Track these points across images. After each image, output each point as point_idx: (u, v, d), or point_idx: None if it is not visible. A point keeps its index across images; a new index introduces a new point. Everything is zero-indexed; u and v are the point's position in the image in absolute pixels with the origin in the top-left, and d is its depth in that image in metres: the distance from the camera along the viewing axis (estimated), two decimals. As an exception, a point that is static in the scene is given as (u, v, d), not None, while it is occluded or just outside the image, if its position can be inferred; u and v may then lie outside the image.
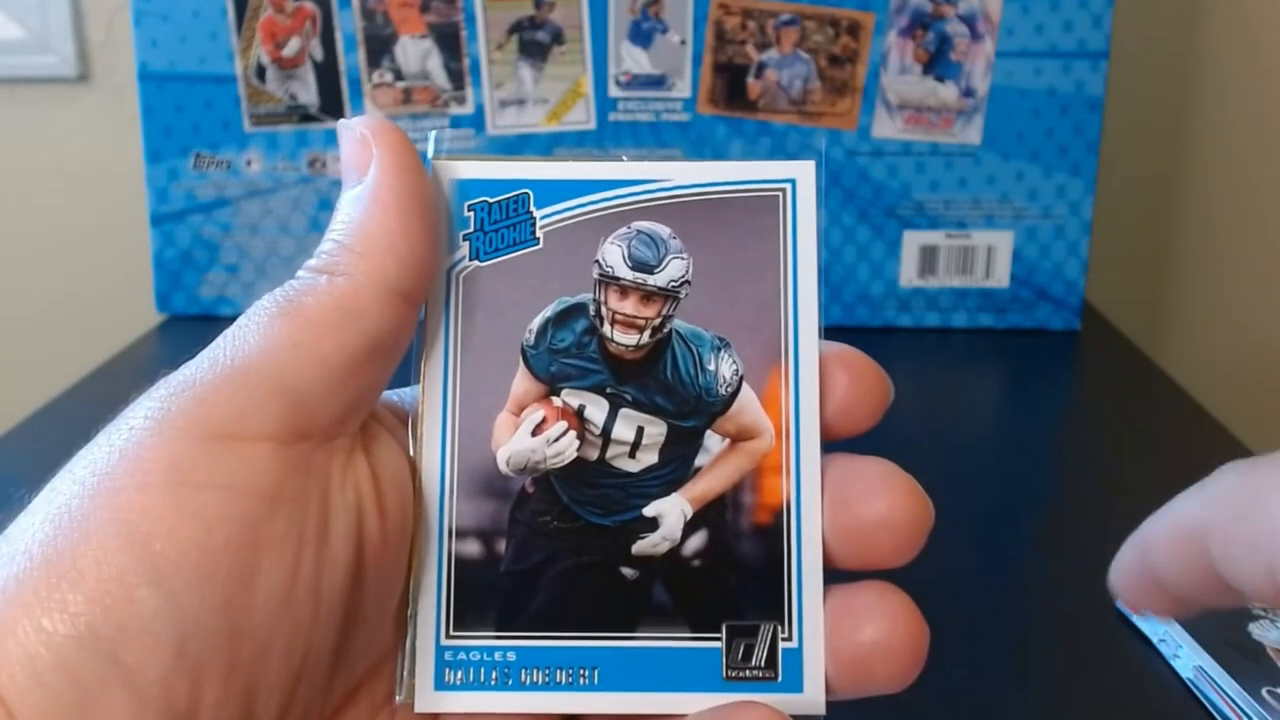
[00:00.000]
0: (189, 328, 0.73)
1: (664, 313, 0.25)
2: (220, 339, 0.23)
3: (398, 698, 0.25)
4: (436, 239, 0.25)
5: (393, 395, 0.27)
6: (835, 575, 0.25)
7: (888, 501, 0.24)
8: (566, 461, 0.25)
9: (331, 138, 0.72)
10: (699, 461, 0.25)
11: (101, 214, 0.91)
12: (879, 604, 0.24)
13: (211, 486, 0.21)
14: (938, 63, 0.72)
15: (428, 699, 0.25)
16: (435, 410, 0.25)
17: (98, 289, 0.92)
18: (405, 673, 0.25)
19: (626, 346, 0.25)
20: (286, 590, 0.22)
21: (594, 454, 0.25)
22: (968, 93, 0.72)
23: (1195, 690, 0.38)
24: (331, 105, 0.72)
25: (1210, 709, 0.37)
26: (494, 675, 0.25)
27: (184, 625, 0.21)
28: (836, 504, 0.25)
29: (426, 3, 0.71)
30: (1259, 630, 0.40)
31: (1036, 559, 0.49)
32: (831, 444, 0.26)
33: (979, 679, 0.39)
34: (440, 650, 0.25)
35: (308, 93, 0.72)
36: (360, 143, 0.25)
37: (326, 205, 0.73)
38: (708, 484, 0.25)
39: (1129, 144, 0.87)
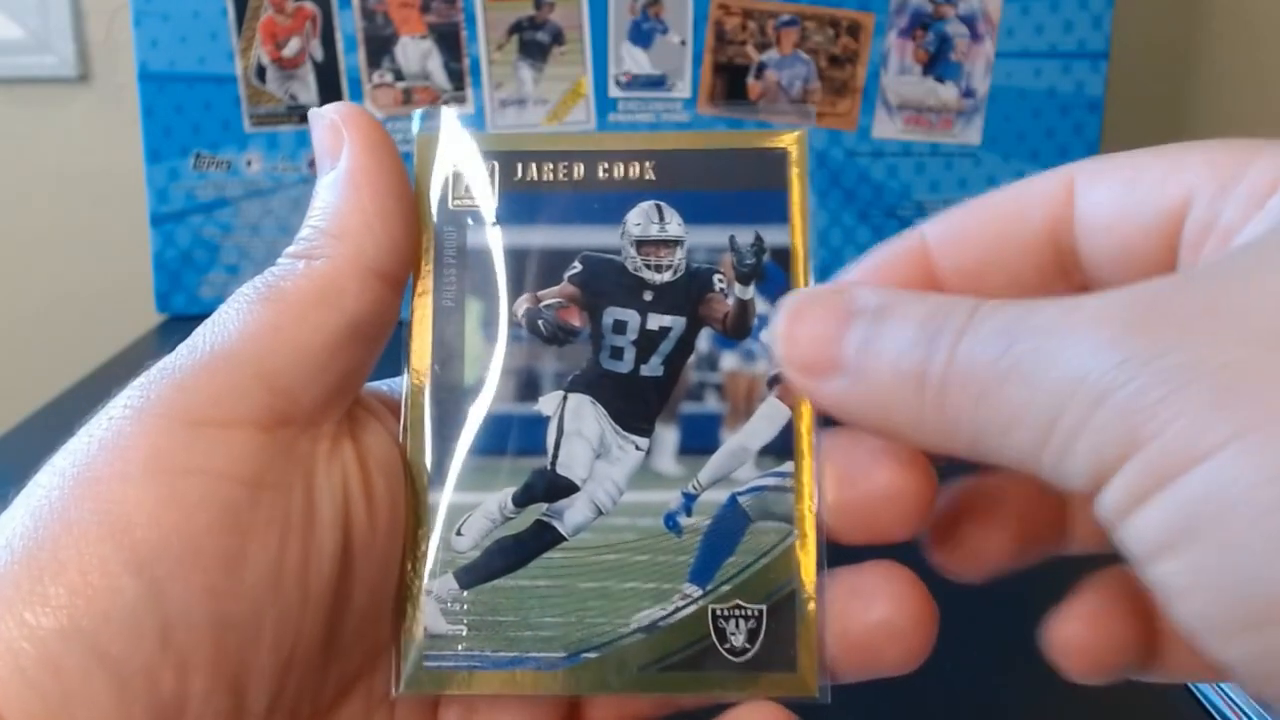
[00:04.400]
0: (189, 328, 0.73)
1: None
2: (201, 327, 0.23)
3: (394, 691, 0.25)
4: (413, 218, 0.25)
5: (382, 385, 0.27)
6: (843, 554, 0.25)
7: (889, 472, 0.24)
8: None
9: (331, 138, 0.72)
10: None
11: (101, 214, 0.91)
12: (887, 584, 0.24)
13: (192, 473, 0.21)
14: (938, 63, 0.72)
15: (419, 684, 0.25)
16: (426, 396, 0.25)
17: (98, 289, 0.92)
18: (403, 664, 0.25)
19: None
20: (273, 577, 0.22)
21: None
22: (968, 93, 0.72)
23: (1195, 690, 0.38)
24: (331, 105, 0.72)
25: (1210, 709, 0.37)
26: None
27: (168, 614, 0.20)
28: (841, 481, 0.24)
29: (426, 3, 0.71)
30: (1259, 630, 0.40)
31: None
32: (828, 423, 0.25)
33: (979, 679, 0.39)
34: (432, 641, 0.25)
35: (308, 93, 0.72)
36: (331, 129, 0.25)
37: (326, 205, 0.73)
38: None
39: (1129, 144, 0.87)
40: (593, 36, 0.71)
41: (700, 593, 0.25)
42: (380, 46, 0.71)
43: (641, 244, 0.26)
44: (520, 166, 0.26)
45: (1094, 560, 0.24)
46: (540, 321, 0.26)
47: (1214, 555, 0.17)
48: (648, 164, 0.26)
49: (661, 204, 0.26)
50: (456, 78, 0.72)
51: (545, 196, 0.26)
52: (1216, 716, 0.37)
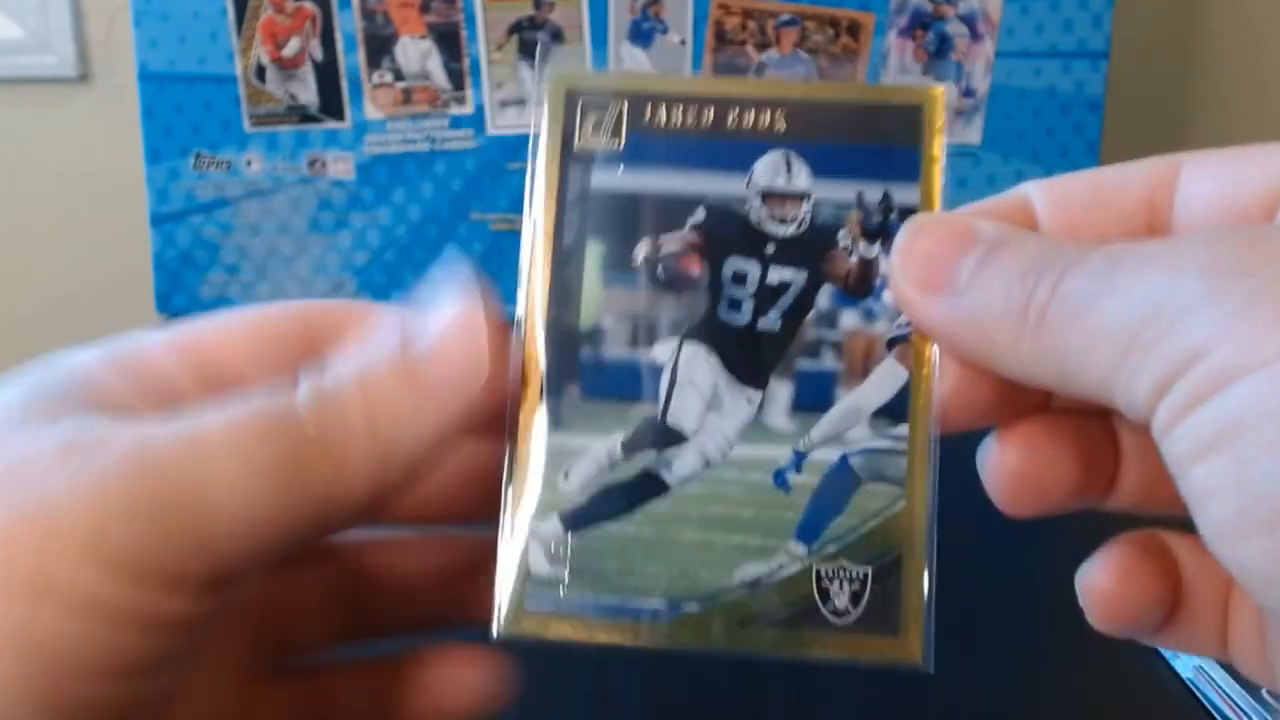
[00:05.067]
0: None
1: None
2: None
3: (494, 632, 0.24)
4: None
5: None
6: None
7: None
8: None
9: (331, 138, 0.72)
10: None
11: (101, 214, 0.91)
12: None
13: None
14: (937, 63, 0.72)
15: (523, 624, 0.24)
16: (540, 336, 0.25)
17: (98, 289, 0.92)
18: (503, 606, 0.24)
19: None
20: None
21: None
22: (968, 93, 0.72)
23: (1195, 690, 0.38)
24: (331, 105, 0.72)
25: (1210, 709, 0.37)
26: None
27: None
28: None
29: (426, 3, 0.71)
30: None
31: (1037, 558, 0.49)
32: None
33: (980, 679, 0.39)
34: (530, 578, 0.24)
35: (308, 93, 0.72)
36: (475, 341, 0.23)
37: (327, 205, 0.73)
38: None
39: (1129, 144, 0.87)
40: (593, 36, 0.71)
41: (806, 552, 0.24)
42: (380, 46, 0.71)
43: (768, 195, 0.25)
44: (649, 109, 0.26)
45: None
46: (659, 268, 0.25)
47: (1244, 458, 0.18)
48: (779, 113, 0.26)
49: (790, 155, 0.26)
50: (456, 78, 0.72)
51: (673, 141, 0.25)
52: (1217, 717, 0.37)
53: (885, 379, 0.25)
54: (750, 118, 0.26)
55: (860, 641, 0.24)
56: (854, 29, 0.71)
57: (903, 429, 0.25)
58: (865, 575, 0.24)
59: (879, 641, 0.24)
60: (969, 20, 0.71)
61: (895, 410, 0.25)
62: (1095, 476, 0.25)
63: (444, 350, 0.23)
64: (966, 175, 0.73)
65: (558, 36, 0.71)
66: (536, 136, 0.26)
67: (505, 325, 0.24)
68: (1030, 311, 0.21)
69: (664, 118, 0.26)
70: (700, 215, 0.25)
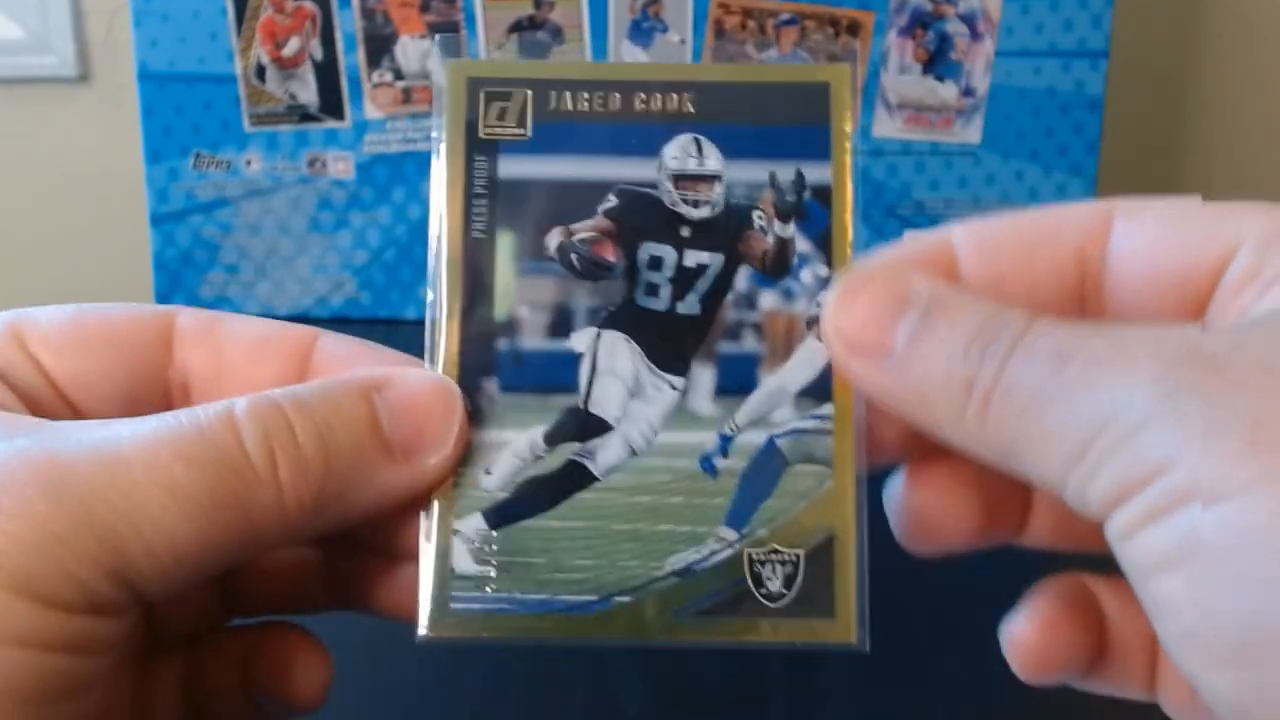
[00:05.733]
0: (189, 327, 0.73)
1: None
2: None
3: (419, 634, 0.24)
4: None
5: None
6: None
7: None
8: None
9: (331, 137, 0.72)
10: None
11: (101, 214, 0.91)
12: None
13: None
14: (938, 62, 0.72)
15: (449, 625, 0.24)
16: (455, 331, 0.25)
17: (98, 289, 0.92)
18: (428, 606, 0.24)
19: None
20: None
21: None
22: (968, 92, 0.72)
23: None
24: (331, 105, 0.72)
25: (1210, 708, 0.37)
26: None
27: None
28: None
29: (426, 3, 0.71)
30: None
31: (1038, 557, 0.49)
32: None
33: (978, 677, 0.39)
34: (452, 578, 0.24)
35: (308, 93, 0.72)
36: (447, 416, 0.23)
37: (327, 205, 0.73)
38: None
39: (1129, 144, 0.87)
40: (592, 35, 0.71)
41: (736, 537, 0.24)
42: (380, 46, 0.71)
43: (679, 178, 0.25)
44: (555, 95, 0.25)
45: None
46: (573, 255, 0.25)
47: (1217, 579, 0.17)
48: (686, 96, 0.25)
49: (700, 137, 0.26)
50: (456, 77, 0.72)
51: (580, 127, 0.25)
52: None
53: (808, 358, 0.25)
54: (658, 101, 0.25)
55: (796, 625, 0.24)
56: (854, 28, 0.71)
57: (828, 408, 0.25)
58: (798, 558, 0.24)
59: (815, 624, 0.24)
60: (969, 20, 0.71)
61: (820, 390, 0.25)
62: (1003, 519, 0.25)
63: (417, 416, 0.23)
64: (966, 174, 0.73)
65: (558, 36, 0.71)
66: (438, 127, 0.25)
67: (468, 407, 0.24)
68: (975, 392, 0.20)
69: (570, 104, 0.25)
70: (612, 201, 0.25)
